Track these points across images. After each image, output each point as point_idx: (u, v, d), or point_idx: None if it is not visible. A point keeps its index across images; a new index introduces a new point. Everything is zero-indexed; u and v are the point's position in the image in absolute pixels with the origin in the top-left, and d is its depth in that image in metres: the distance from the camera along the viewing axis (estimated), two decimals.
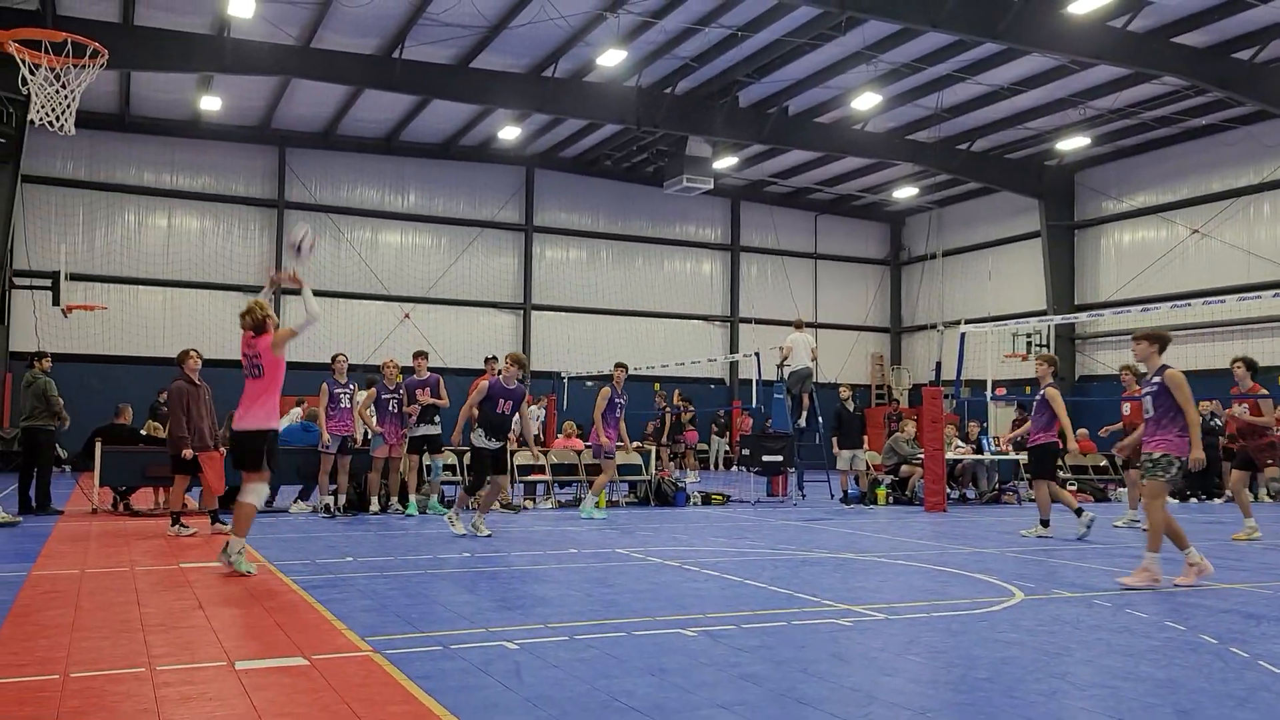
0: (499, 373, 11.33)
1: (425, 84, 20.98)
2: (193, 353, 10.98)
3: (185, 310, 24.42)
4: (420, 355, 13.59)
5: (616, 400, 13.58)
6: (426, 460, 13.06)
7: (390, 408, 12.91)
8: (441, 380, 13.35)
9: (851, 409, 17.00)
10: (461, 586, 7.33)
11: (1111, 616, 6.41)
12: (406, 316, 26.30)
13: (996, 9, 17.09)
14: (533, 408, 21.39)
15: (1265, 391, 12.04)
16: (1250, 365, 12.02)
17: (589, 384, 25.70)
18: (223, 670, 4.73)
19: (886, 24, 17.92)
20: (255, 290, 25.47)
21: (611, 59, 19.55)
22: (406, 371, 13.50)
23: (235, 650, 5.15)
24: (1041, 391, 11.51)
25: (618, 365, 14.16)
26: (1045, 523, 11.32)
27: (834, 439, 16.80)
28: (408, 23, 18.84)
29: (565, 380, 25.66)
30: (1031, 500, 17.48)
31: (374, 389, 13.01)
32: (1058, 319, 22.47)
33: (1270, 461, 12.22)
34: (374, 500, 12.88)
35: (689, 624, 5.87)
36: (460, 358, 25.16)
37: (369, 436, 13.03)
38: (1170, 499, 16.76)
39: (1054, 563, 9.13)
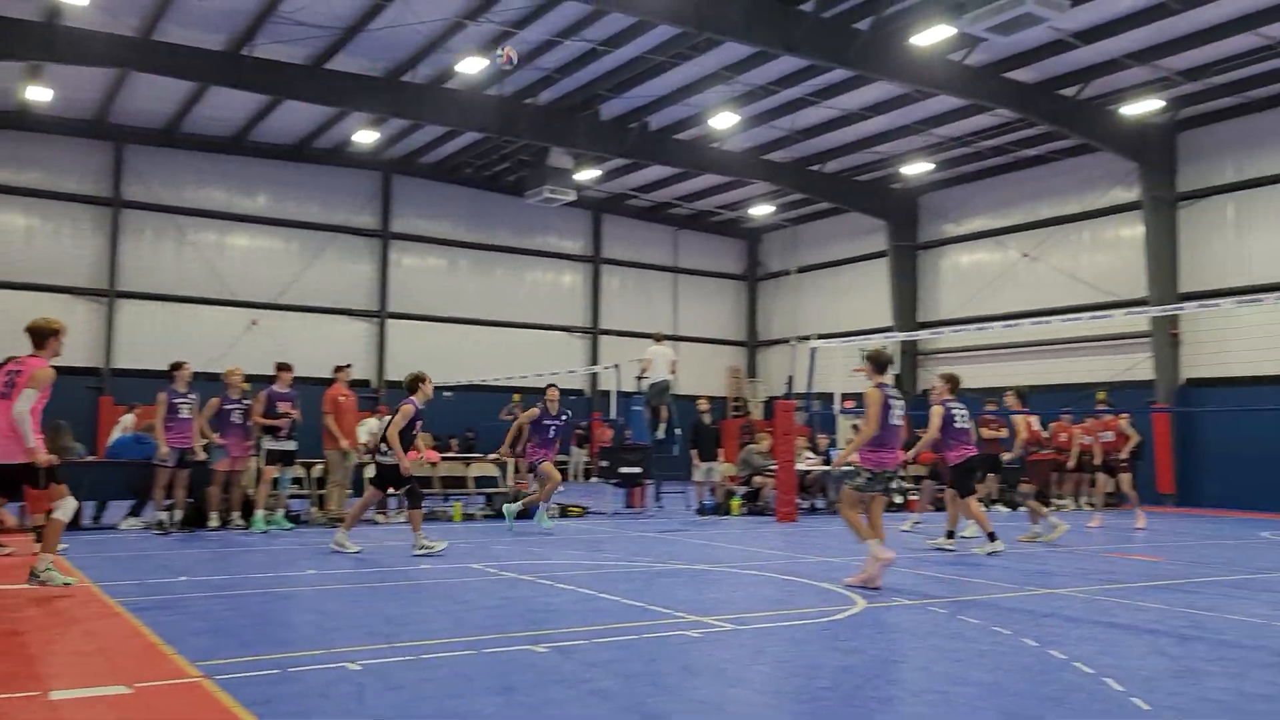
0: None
1: (276, 83, 20.28)
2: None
3: (7, 313, 22.78)
4: (284, 367, 13.09)
5: (547, 421, 13.29)
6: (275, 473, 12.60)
7: (234, 419, 12.40)
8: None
9: (708, 421, 17.29)
10: (304, 606, 7.10)
11: (945, 623, 6.71)
12: (254, 323, 25.32)
13: (846, 37, 17.73)
14: (386, 418, 20.90)
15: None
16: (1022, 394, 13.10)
17: (447, 394, 25.32)
18: (34, 702, 4.43)
19: (743, 46, 18.36)
20: (88, 293, 24.14)
21: (472, 66, 19.36)
22: (253, 381, 12.99)
23: (51, 679, 4.84)
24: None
25: (549, 386, 13.88)
26: (951, 534, 11.42)
27: (694, 451, 17.06)
28: (258, 20, 18.20)
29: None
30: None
31: (216, 399, 12.46)
32: (902, 335, 23.45)
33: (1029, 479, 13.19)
34: (213, 516, 12.33)
35: (540, 640, 5.85)
36: (312, 366, 24.28)
37: (210, 449, 12.46)
38: (1003, 507, 17.77)
39: (895, 571, 9.49)
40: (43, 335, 7.53)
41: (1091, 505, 19.66)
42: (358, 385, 22.03)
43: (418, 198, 27.82)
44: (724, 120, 21.92)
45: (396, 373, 26.53)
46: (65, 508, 7.47)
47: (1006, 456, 13.39)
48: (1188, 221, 21.51)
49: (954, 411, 11.34)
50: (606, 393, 24.59)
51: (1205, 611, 7.30)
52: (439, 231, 28.22)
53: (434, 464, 15.27)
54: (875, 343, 8.88)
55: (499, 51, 9.42)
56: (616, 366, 19.84)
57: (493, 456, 15.76)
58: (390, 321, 27.26)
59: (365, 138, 24.04)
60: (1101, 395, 17.56)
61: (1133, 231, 22.31)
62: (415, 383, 10.82)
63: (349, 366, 14.49)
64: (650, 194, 29.46)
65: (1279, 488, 18.69)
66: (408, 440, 10.48)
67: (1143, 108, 20.07)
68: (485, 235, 28.76)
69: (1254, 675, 5.28)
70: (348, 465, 13.65)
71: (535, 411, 13.40)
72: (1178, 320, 21.06)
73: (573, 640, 5.87)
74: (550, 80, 21.11)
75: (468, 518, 14.65)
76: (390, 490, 11.01)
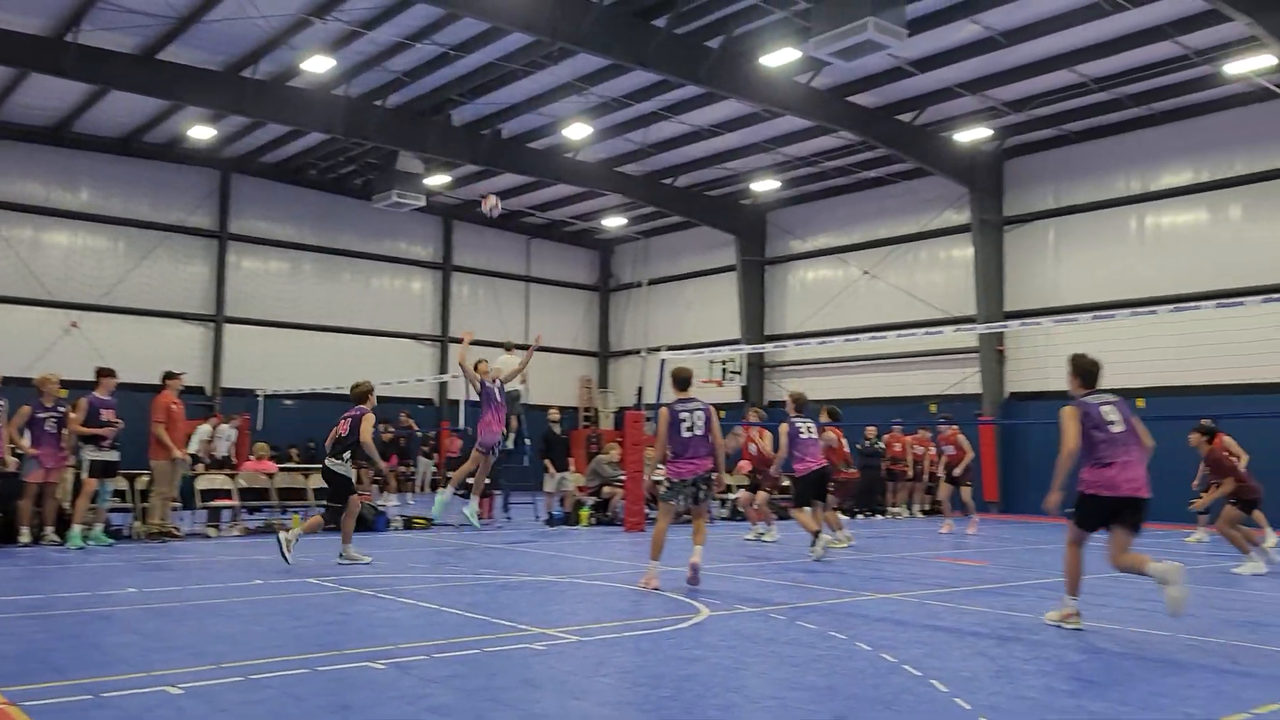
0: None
1: (103, 73, 19.13)
2: None
3: None
4: (106, 373, 12.27)
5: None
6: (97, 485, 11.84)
7: (47, 427, 11.60)
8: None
9: (560, 431, 17.26)
10: (123, 626, 6.69)
11: (785, 629, 6.88)
12: (74, 325, 23.78)
13: (698, 54, 18.09)
14: (223, 426, 20.02)
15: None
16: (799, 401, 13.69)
17: (287, 402, 24.44)
18: None
19: (597, 58, 18.47)
20: None
21: (318, 65, 18.78)
22: (71, 387, 12.18)
23: None
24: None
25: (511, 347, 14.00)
26: (818, 534, 11.61)
27: (546, 460, 17.01)
28: (84, 5, 17.16)
29: (261, 398, 24.25)
30: (724, 519, 18.51)
31: (28, 407, 11.62)
32: (749, 348, 24.02)
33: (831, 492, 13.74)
34: (24, 531, 11.49)
35: (378, 656, 5.68)
36: (139, 372, 22.97)
37: (21, 459, 11.61)
38: (842, 515, 18.41)
39: (739, 579, 9.68)
40: None
41: (924, 513, 20.58)
42: (191, 392, 21.03)
43: (259, 198, 26.76)
44: (577, 131, 22.00)
45: (234, 379, 25.45)
46: None
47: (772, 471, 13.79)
48: (1013, 244, 22.86)
49: (799, 427, 11.95)
50: (456, 402, 24.21)
51: (1023, 614, 7.73)
52: (281, 234, 27.22)
53: (270, 475, 14.68)
54: (682, 362, 9.40)
55: (481, 198, 11.52)
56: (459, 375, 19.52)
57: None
58: (227, 326, 26.10)
59: (201, 134, 22.98)
60: (933, 407, 18.41)
61: (963, 252, 23.54)
62: (367, 393, 10.75)
63: (182, 374, 13.73)
64: (503, 202, 29.16)
65: None
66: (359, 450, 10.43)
67: (973, 135, 21.22)
68: (330, 239, 27.92)
69: (1063, 673, 5.61)
70: (176, 476, 12.97)
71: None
72: (1003, 337, 22.32)
73: (412, 656, 5.73)
74: (400, 83, 20.70)
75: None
76: (332, 501, 10.58)
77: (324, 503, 11.12)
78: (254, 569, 9.77)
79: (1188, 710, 4.77)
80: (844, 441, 15.11)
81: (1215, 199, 19.88)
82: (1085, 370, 7.29)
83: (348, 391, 11.22)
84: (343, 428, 10.57)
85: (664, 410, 8.81)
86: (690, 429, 8.67)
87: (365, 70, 19.96)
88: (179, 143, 24.33)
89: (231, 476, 14.55)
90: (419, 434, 24.41)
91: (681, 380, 8.99)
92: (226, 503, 13.99)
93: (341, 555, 10.21)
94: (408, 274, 29.64)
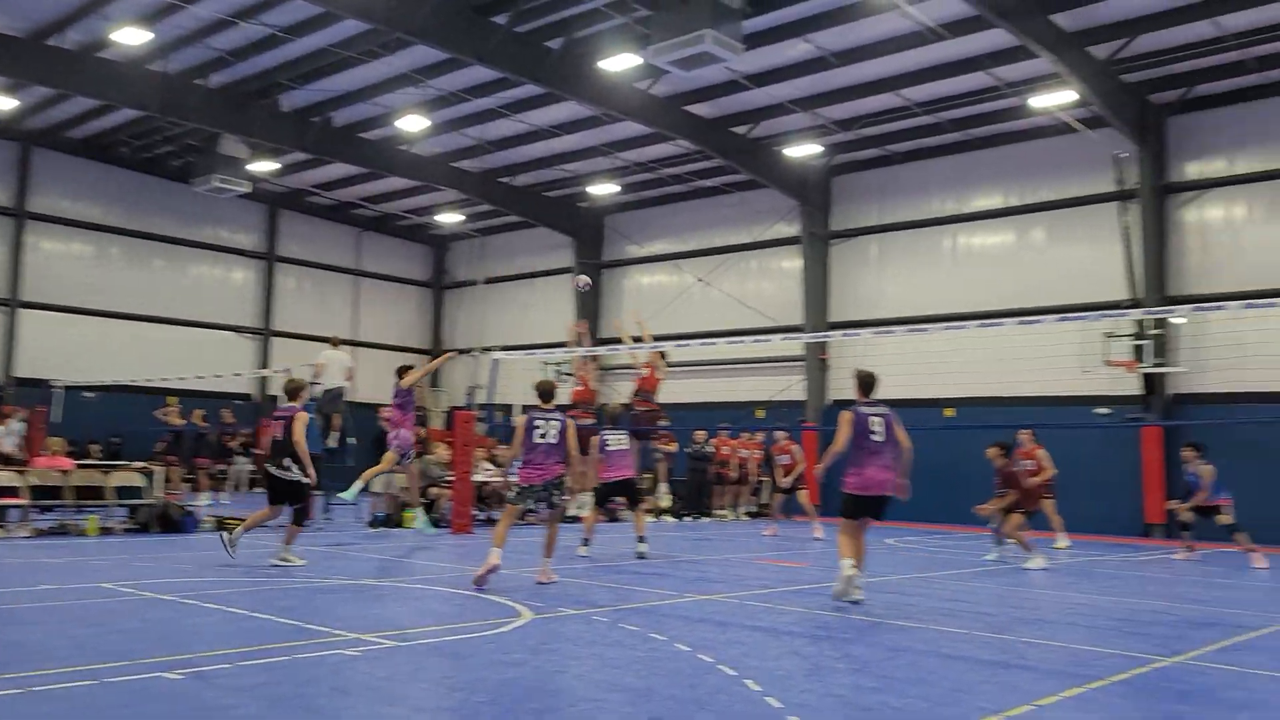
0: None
1: None
2: None
3: None
4: None
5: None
6: None
7: None
8: None
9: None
10: None
11: (607, 631, 6.90)
12: None
13: (538, 53, 18.00)
14: (12, 421, 18.52)
15: None
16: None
17: (88, 395, 22.85)
18: None
19: (435, 51, 18.11)
20: None
21: (132, 37, 17.64)
22: None
23: None
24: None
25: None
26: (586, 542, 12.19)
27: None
28: None
29: (60, 390, 22.58)
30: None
31: None
32: (583, 350, 24.02)
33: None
34: None
35: (176, 665, 5.36)
36: None
37: None
38: (671, 518, 18.69)
39: (564, 581, 9.66)
40: None
41: (750, 515, 21.14)
42: None
43: (63, 175, 24.94)
44: (413, 123, 21.51)
45: (30, 369, 23.65)
46: None
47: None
48: (838, 258, 23.78)
49: (607, 439, 12.66)
50: (276, 397, 23.22)
51: (835, 614, 8.02)
52: (87, 214, 25.43)
53: (65, 471, 13.69)
54: (547, 376, 10.27)
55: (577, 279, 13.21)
56: (288, 370, 18.79)
57: (140, 465, 14.33)
58: (23, 311, 24.20)
59: (1, 104, 21.24)
60: (760, 413, 18.93)
61: (793, 264, 24.33)
62: (299, 389, 10.63)
63: None
64: (333, 192, 28.28)
65: (910, 500, 21.03)
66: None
67: (803, 151, 21.96)
68: (143, 222, 26.27)
69: (870, 671, 5.86)
70: None
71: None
72: (827, 346, 23.19)
73: (215, 664, 5.44)
74: (224, 62, 19.70)
75: (105, 531, 13.25)
76: (290, 503, 10.41)
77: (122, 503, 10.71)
78: (43, 572, 9.08)
79: (980, 704, 5.05)
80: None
81: (1021, 222, 21.26)
82: (864, 382, 8.93)
83: (153, 384, 10.67)
84: (277, 430, 10.31)
85: (521, 417, 9.43)
86: (544, 436, 9.20)
87: (185, 46, 18.91)
88: None
89: (20, 473, 13.48)
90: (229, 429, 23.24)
91: (544, 393, 9.62)
92: (14, 501, 12.95)
93: (279, 557, 10.14)
94: (228, 263, 28.24)
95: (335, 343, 18.15)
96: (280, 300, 29.04)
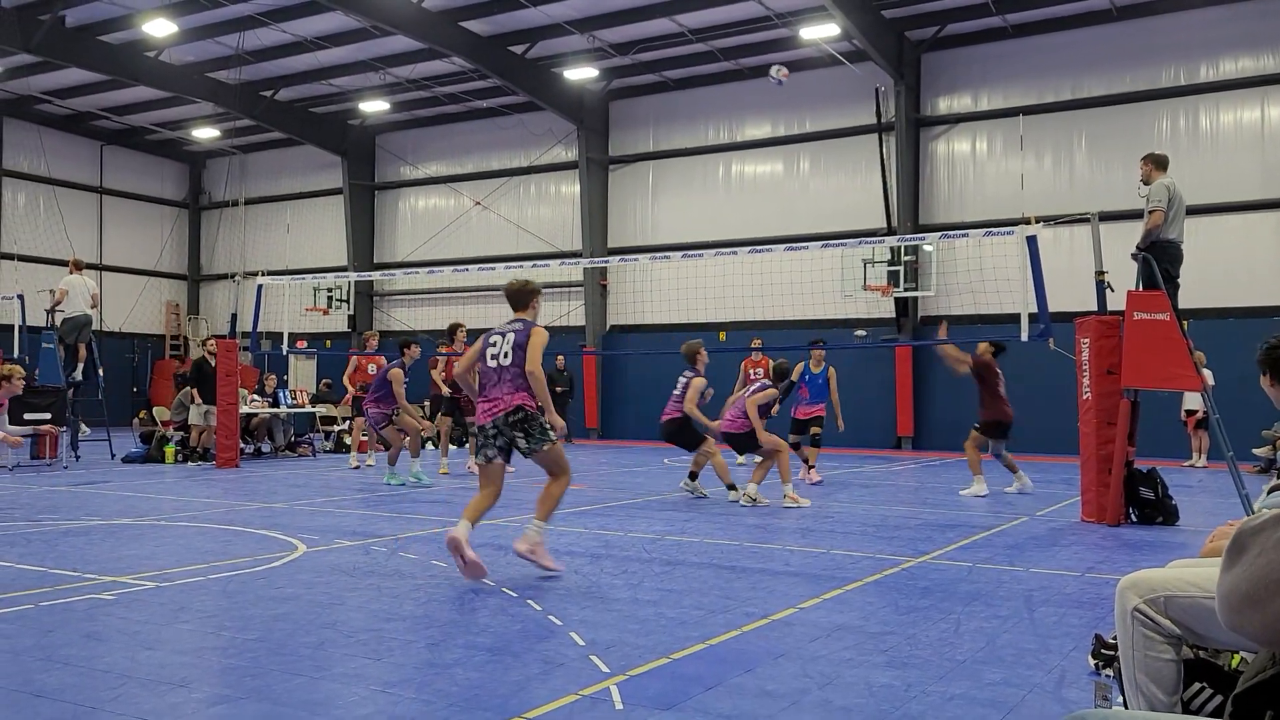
0: None
1: None
2: None
3: None
4: None
5: None
6: None
7: None
8: None
9: (214, 363, 15.61)
10: None
11: (385, 560, 6.79)
12: None
13: None
14: None
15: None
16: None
17: None
18: None
19: None
20: None
21: None
22: None
23: None
24: None
25: None
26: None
27: (194, 391, 15.45)
28: None
29: None
30: (329, 452, 17.92)
31: None
32: (357, 275, 23.19)
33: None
34: None
35: None
36: None
37: None
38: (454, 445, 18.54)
39: (341, 513, 9.41)
40: None
41: None
42: None
43: None
44: (160, 28, 19.73)
45: None
46: None
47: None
48: (616, 183, 23.94)
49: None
50: (10, 327, 21.11)
51: (614, 532, 8.24)
52: None
53: None
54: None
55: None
56: (20, 297, 17.12)
57: None
58: None
59: None
60: None
61: (571, 189, 24.29)
62: None
63: None
64: (68, 101, 25.62)
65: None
66: None
67: (581, 74, 21.81)
68: None
69: (647, 585, 6.06)
70: None
71: None
72: (606, 272, 23.42)
73: None
74: None
75: None
76: None
77: None
78: None
79: (749, 610, 5.34)
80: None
81: (789, 152, 22.10)
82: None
83: None
84: None
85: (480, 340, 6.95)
86: (495, 357, 6.60)
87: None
88: None
89: None
90: None
91: (512, 297, 7.15)
92: None
93: None
94: None
95: (77, 266, 16.61)
96: (9, 219, 26.26)
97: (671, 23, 19.81)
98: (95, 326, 16.27)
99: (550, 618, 5.09)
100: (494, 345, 6.65)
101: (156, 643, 4.62)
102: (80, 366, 15.70)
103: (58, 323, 15.84)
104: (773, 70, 15.07)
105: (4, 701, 3.74)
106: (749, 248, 14.11)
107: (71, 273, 16.12)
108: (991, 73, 20.07)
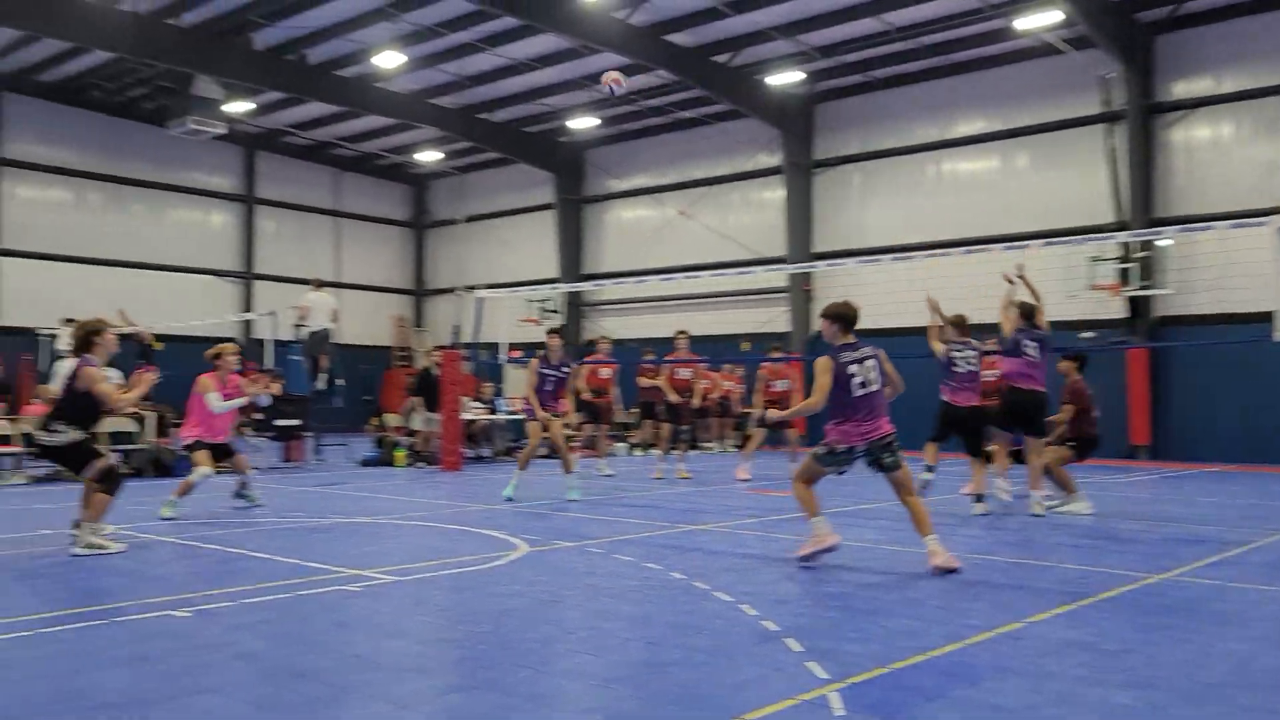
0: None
1: None
2: None
3: None
4: None
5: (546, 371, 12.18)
6: None
7: None
8: None
9: (436, 373, 16.75)
10: None
11: (601, 562, 7.00)
12: None
13: None
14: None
15: (703, 358, 14.34)
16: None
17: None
18: None
19: None
20: None
21: None
22: None
23: None
24: None
25: (551, 333, 12.00)
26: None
27: (420, 400, 16.84)
28: None
29: (46, 338, 22.40)
30: (542, 458, 18.59)
31: None
32: (567, 287, 24.01)
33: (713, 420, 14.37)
34: None
35: (181, 605, 5.43)
36: None
37: None
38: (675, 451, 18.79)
39: (557, 515, 9.76)
40: None
41: (736, 447, 21.25)
42: None
43: (36, 120, 24.46)
44: (389, 59, 21.14)
45: (12, 317, 23.47)
46: None
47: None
48: (821, 187, 23.65)
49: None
50: (261, 341, 23.14)
51: None
52: (62, 160, 25.02)
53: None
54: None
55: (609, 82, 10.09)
56: (273, 314, 18.73)
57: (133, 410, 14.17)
58: (3, 259, 23.92)
59: None
60: (745, 345, 18.95)
61: (774, 194, 24.19)
62: (90, 336, 7.70)
63: None
64: (310, 132, 27.86)
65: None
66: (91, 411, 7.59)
67: (784, 79, 21.70)
68: (120, 167, 25.88)
69: (862, 594, 5.97)
70: None
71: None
72: (811, 277, 23.18)
73: (218, 604, 5.50)
74: (194, 1, 19.25)
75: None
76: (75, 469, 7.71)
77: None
78: (40, 518, 9.11)
79: (973, 623, 5.16)
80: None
81: (1005, 147, 21.14)
82: (840, 316, 7.10)
83: (136, 331, 10.41)
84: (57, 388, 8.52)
85: (826, 359, 6.95)
86: (864, 384, 6.81)
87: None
88: None
89: (13, 421, 13.46)
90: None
91: (846, 319, 7.10)
92: (7, 449, 12.96)
93: (83, 544, 7.28)
94: (207, 206, 27.91)
95: (318, 285, 18.06)
96: (261, 243, 28.79)
97: (878, 21, 19.40)
98: (334, 340, 17.58)
99: (765, 623, 5.10)
100: (859, 373, 6.84)
101: (397, 632, 4.95)
102: (322, 377, 17.02)
103: (303, 336, 17.25)
104: (605, 78, 12.05)
105: (271, 679, 4.12)
106: (964, 248, 13.62)
107: (314, 290, 17.54)
108: (1236, 52, 18.48)
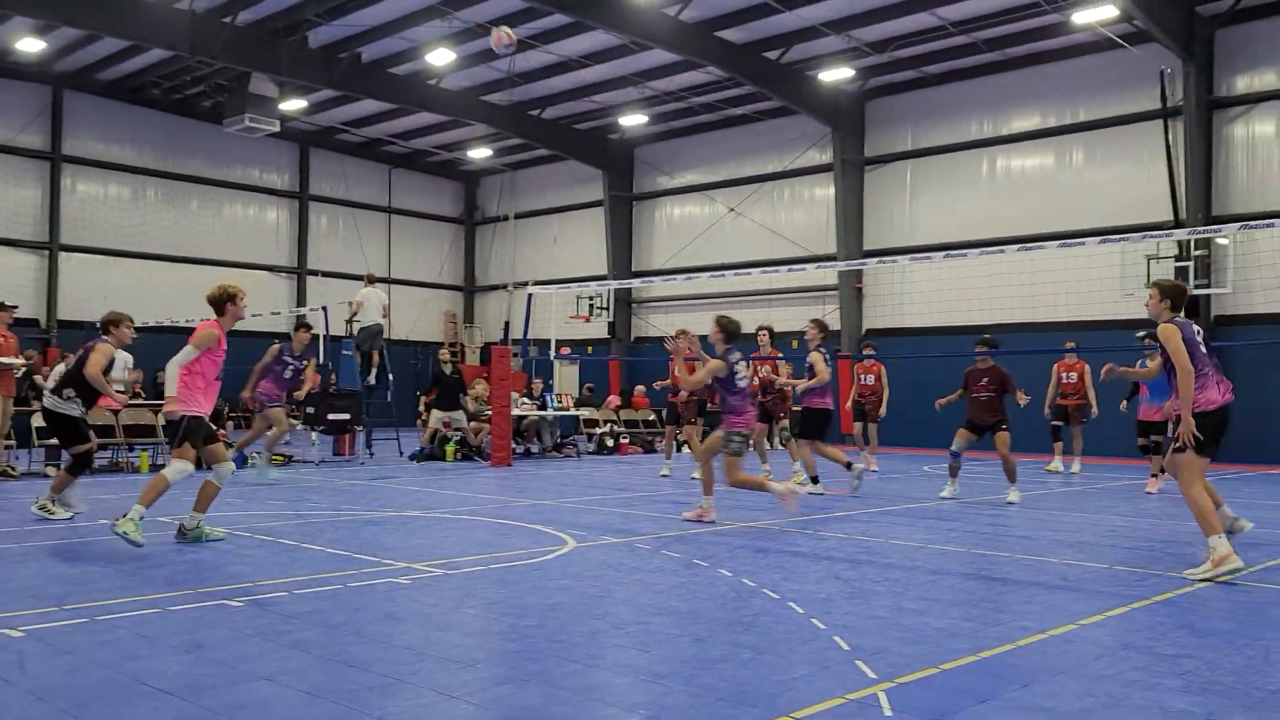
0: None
1: None
2: None
3: None
4: None
5: (287, 359, 13.27)
6: None
7: None
8: None
9: (449, 371, 16.96)
10: None
11: (649, 558, 7.00)
12: None
13: None
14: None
15: (781, 355, 13.92)
16: (772, 332, 13.83)
17: (134, 336, 23.17)
18: None
19: None
20: None
21: None
22: None
23: None
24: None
25: (300, 328, 13.86)
26: (815, 479, 11.64)
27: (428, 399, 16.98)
28: None
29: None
30: (592, 454, 18.66)
31: None
32: (616, 284, 24.04)
33: (783, 414, 14.06)
34: None
35: (235, 594, 5.53)
36: None
37: None
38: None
39: (605, 511, 9.79)
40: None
41: (783, 444, 21.08)
42: (23, 325, 19.76)
43: (96, 118, 25.05)
44: (441, 57, 21.33)
45: (70, 311, 24.06)
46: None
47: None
48: (872, 184, 23.44)
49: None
50: (315, 336, 23.49)
51: (875, 539, 8.08)
52: (121, 157, 25.60)
53: (116, 411, 13.97)
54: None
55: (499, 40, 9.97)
56: (324, 309, 18.97)
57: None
58: (63, 255, 24.53)
59: (30, 46, 21.28)
60: (795, 343, 18.85)
61: (825, 191, 24.03)
62: (114, 323, 8.86)
63: (14, 307, 12.76)
64: (362, 129, 28.21)
65: (945, 427, 20.98)
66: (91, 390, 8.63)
67: (836, 75, 21.53)
68: (177, 164, 26.42)
69: (911, 594, 5.91)
70: (8, 413, 12.23)
71: (277, 349, 13.18)
72: (862, 275, 22.99)
73: (272, 593, 5.59)
74: (250, 0, 19.58)
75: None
76: (64, 444, 9.01)
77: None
78: (97, 508, 9.32)
79: (1023, 624, 5.09)
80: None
81: (1060, 143, 20.81)
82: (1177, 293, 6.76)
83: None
84: (71, 359, 9.59)
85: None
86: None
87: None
88: (5, 56, 22.50)
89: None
90: None
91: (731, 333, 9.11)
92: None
93: (38, 505, 8.60)
94: (262, 203, 28.39)
95: (370, 280, 18.28)
96: (314, 239, 29.22)
97: (932, 16, 19.17)
98: (385, 335, 17.77)
99: (813, 621, 5.07)
100: (742, 371, 8.80)
101: (446, 625, 5.00)
102: (374, 372, 17.22)
103: (354, 332, 17.46)
104: (494, 37, 11.67)
105: (324, 668, 4.18)
106: (1017, 246, 13.41)
107: (366, 286, 17.74)
108: None
